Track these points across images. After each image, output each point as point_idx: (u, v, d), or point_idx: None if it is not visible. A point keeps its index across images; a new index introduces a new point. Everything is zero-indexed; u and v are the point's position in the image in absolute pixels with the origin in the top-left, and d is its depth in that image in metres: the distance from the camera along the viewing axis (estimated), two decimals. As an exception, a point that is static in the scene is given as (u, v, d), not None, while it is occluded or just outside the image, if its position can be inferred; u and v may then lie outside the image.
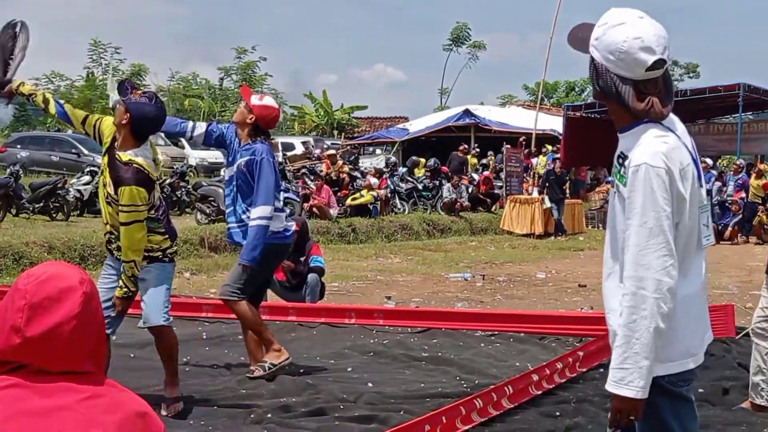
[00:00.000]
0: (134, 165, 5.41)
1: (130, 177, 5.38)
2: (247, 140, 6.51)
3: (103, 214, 5.74)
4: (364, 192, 20.88)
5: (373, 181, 21.26)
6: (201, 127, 6.76)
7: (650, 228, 2.74)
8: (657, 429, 2.93)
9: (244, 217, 6.48)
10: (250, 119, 6.50)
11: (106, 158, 5.57)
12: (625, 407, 2.82)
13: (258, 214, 6.31)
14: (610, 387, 2.84)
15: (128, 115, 5.42)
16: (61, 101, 5.99)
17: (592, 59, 2.88)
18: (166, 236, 5.73)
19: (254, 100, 6.58)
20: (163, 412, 5.64)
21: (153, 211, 5.62)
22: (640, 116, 2.82)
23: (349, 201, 20.66)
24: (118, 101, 5.61)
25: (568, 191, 24.79)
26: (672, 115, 2.90)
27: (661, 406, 2.90)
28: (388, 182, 22.58)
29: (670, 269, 2.74)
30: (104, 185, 5.59)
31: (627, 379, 2.79)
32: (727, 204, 22.16)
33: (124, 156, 5.44)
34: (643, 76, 2.78)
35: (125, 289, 5.56)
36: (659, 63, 2.76)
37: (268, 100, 6.75)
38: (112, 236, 5.67)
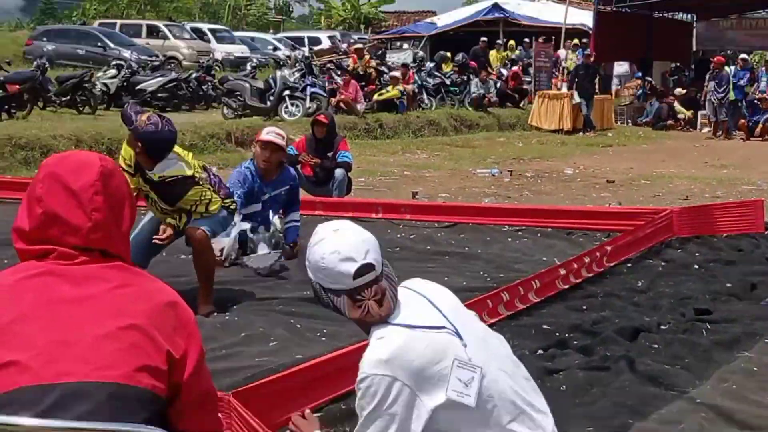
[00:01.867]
0: (167, 180, 5.51)
1: (179, 190, 5.54)
2: (275, 174, 7.30)
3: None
4: (390, 87, 20.67)
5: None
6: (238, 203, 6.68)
7: None
8: None
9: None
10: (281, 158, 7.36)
11: (138, 179, 5.53)
12: None
13: (299, 215, 7.52)
14: None
15: (140, 143, 5.43)
16: None
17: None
18: (219, 199, 5.84)
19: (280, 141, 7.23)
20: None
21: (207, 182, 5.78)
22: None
23: (375, 96, 20.47)
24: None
25: (597, 87, 24.39)
26: (413, 284, 2.89)
27: None
28: (416, 77, 22.33)
29: None
30: (153, 203, 5.73)
31: None
32: (755, 101, 21.76)
33: (155, 176, 5.51)
34: (354, 285, 2.70)
35: (175, 222, 5.63)
36: (365, 268, 2.70)
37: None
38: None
